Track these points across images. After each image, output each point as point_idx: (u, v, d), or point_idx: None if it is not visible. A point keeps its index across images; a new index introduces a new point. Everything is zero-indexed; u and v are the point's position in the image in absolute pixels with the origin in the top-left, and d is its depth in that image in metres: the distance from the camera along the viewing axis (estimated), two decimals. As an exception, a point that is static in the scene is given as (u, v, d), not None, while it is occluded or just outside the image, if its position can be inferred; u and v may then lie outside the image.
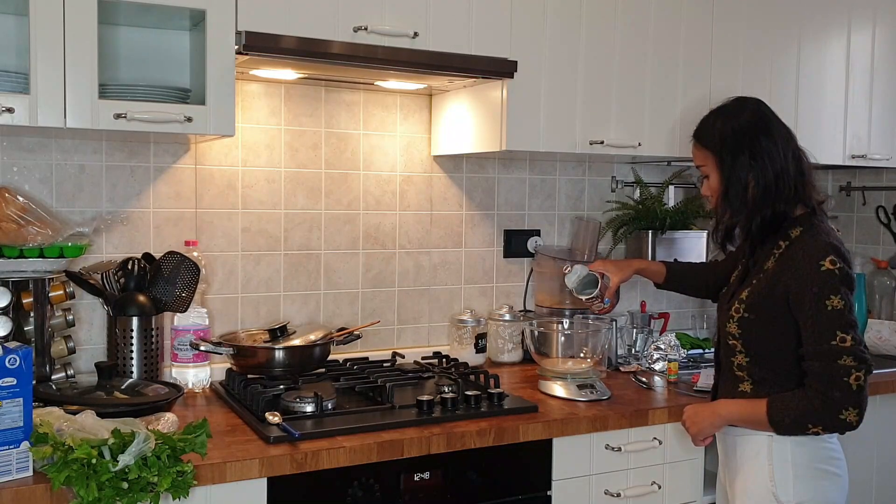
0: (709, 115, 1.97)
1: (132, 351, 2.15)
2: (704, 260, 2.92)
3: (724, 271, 2.18)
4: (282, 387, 2.11)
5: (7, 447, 1.57)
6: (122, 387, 2.04)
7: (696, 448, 2.28)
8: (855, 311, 1.82)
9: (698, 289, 2.35)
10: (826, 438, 1.88)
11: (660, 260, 2.44)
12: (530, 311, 2.85)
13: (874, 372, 1.82)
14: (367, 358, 2.52)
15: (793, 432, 1.83)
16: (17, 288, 2.02)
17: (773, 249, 1.89)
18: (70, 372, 2.12)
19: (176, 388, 2.07)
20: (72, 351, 2.14)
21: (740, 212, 1.89)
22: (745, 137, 1.87)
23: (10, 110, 1.78)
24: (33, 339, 2.04)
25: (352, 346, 2.47)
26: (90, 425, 1.61)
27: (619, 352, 2.71)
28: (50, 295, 2.08)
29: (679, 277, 2.34)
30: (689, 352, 2.80)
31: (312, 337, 2.30)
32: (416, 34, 2.16)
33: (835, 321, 1.77)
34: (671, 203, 2.98)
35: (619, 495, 2.17)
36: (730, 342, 1.93)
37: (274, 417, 1.90)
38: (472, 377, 2.34)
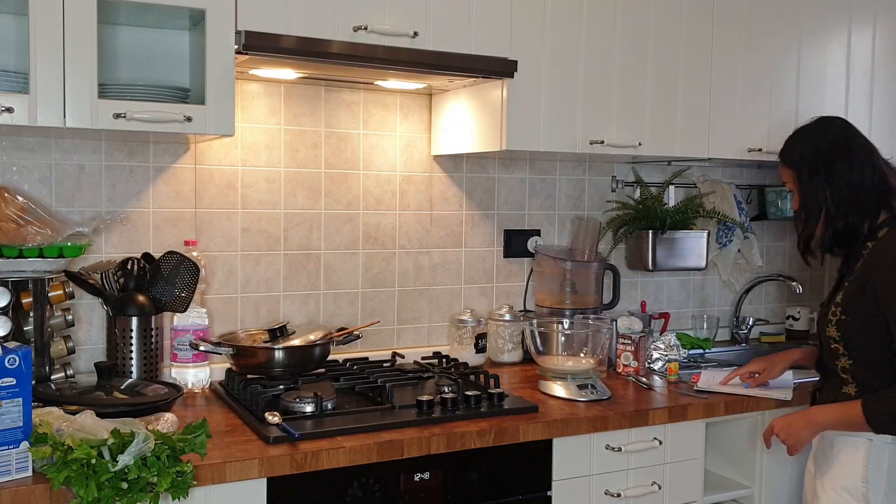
0: (792, 136, 2.10)
1: (132, 351, 2.15)
2: (704, 259, 2.93)
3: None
4: (281, 387, 2.11)
5: (6, 447, 1.57)
6: (122, 387, 2.04)
7: (697, 448, 2.28)
8: None
9: None
10: None
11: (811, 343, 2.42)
12: (530, 311, 2.85)
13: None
14: (366, 358, 2.52)
15: (890, 430, 1.87)
16: (17, 288, 2.02)
17: (861, 252, 1.95)
18: (69, 372, 2.12)
19: (175, 388, 2.07)
20: (71, 351, 2.14)
21: (815, 223, 2.00)
22: (821, 159, 1.99)
23: (9, 110, 1.78)
24: (33, 339, 2.04)
25: (352, 346, 2.47)
26: (90, 425, 1.61)
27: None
28: (49, 295, 2.08)
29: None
30: (690, 352, 2.80)
31: (312, 337, 2.30)
32: (416, 34, 2.16)
33: None
34: (671, 203, 2.98)
35: (619, 495, 2.17)
36: (832, 346, 1.98)
37: (274, 417, 1.90)
38: (472, 377, 2.34)
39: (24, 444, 1.58)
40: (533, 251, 2.88)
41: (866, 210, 1.96)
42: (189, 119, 1.94)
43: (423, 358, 2.56)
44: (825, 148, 1.99)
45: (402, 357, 2.56)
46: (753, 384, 2.38)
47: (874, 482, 1.89)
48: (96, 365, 2.08)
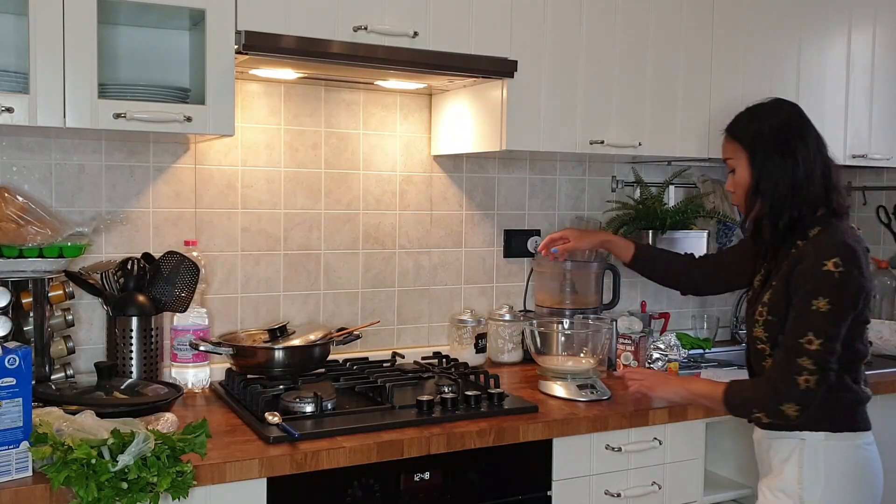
0: (744, 112, 2.01)
1: (132, 351, 2.15)
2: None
3: (716, 266, 2.25)
4: (281, 387, 2.11)
5: (6, 447, 1.57)
6: (122, 387, 2.04)
7: (697, 448, 2.28)
8: (845, 321, 1.80)
9: (668, 278, 2.41)
10: (863, 445, 1.90)
11: (634, 241, 2.47)
12: (530, 311, 2.85)
13: (875, 372, 1.83)
14: (366, 358, 2.52)
15: (739, 413, 1.91)
16: (17, 288, 2.02)
17: (791, 250, 1.91)
18: (69, 372, 2.12)
19: (175, 388, 2.07)
20: (71, 351, 2.14)
21: (768, 206, 1.92)
22: (779, 137, 1.92)
23: (9, 110, 1.78)
24: (33, 339, 2.04)
25: (352, 346, 2.47)
26: (90, 425, 1.61)
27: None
28: (49, 295, 2.08)
29: (647, 261, 2.39)
30: (690, 352, 2.80)
31: (312, 337, 2.30)
32: (416, 34, 2.16)
33: (813, 322, 1.79)
34: (671, 203, 2.98)
35: (619, 495, 2.17)
36: (758, 346, 1.95)
37: (274, 417, 1.90)
38: (472, 377, 2.34)
39: (24, 444, 1.58)
40: (533, 251, 2.87)
41: (814, 199, 1.89)
42: (189, 119, 1.94)
43: (423, 358, 2.56)
44: (783, 127, 1.92)
45: (402, 357, 2.56)
46: (561, 251, 2.41)
47: (810, 482, 1.87)
48: (96, 365, 2.07)
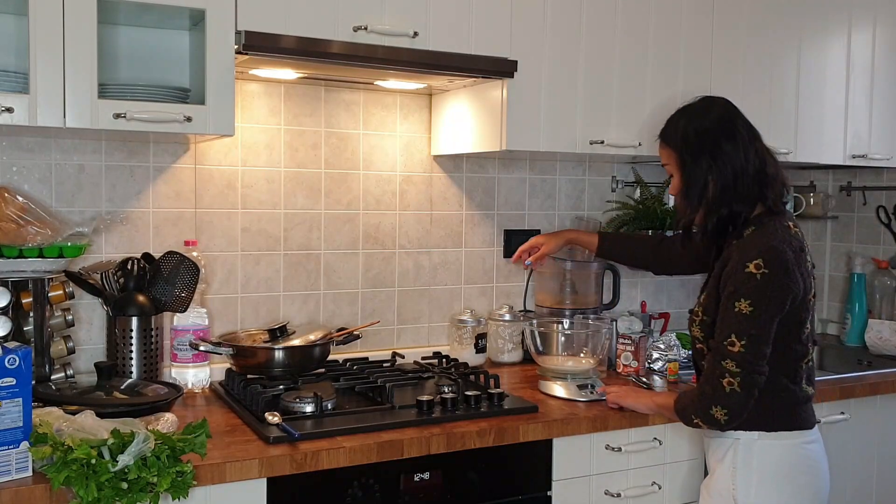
0: (674, 115, 2.00)
1: (132, 351, 2.15)
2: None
3: (687, 249, 2.20)
4: (281, 387, 2.11)
5: (6, 447, 1.57)
6: (122, 387, 2.04)
7: (697, 448, 2.29)
8: (771, 322, 1.79)
9: (638, 259, 2.44)
10: (801, 444, 1.90)
11: (597, 231, 2.52)
12: (530, 311, 2.85)
13: (874, 372, 1.83)
14: (366, 358, 2.52)
15: (684, 421, 1.93)
16: (17, 288, 2.02)
17: (725, 250, 1.92)
18: (69, 372, 2.12)
19: (175, 388, 2.07)
20: (71, 351, 2.14)
21: (697, 210, 1.91)
22: (706, 140, 1.90)
23: (9, 110, 1.78)
24: (33, 340, 2.04)
25: (352, 346, 2.47)
26: (90, 425, 1.61)
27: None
28: (49, 295, 2.08)
29: (612, 247, 2.44)
30: (689, 352, 2.79)
31: (312, 337, 2.30)
32: (415, 34, 2.16)
33: (735, 324, 1.80)
34: (671, 203, 2.97)
35: (619, 495, 2.17)
36: (697, 346, 1.98)
37: (274, 417, 1.90)
38: (472, 377, 2.34)
39: (24, 444, 1.58)
40: (533, 251, 2.87)
41: (748, 198, 1.88)
42: (189, 119, 1.94)
43: (423, 358, 2.56)
44: (710, 128, 1.90)
45: (402, 357, 2.56)
46: (535, 262, 2.45)
47: (743, 481, 1.87)
48: (96, 365, 2.07)
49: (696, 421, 1.88)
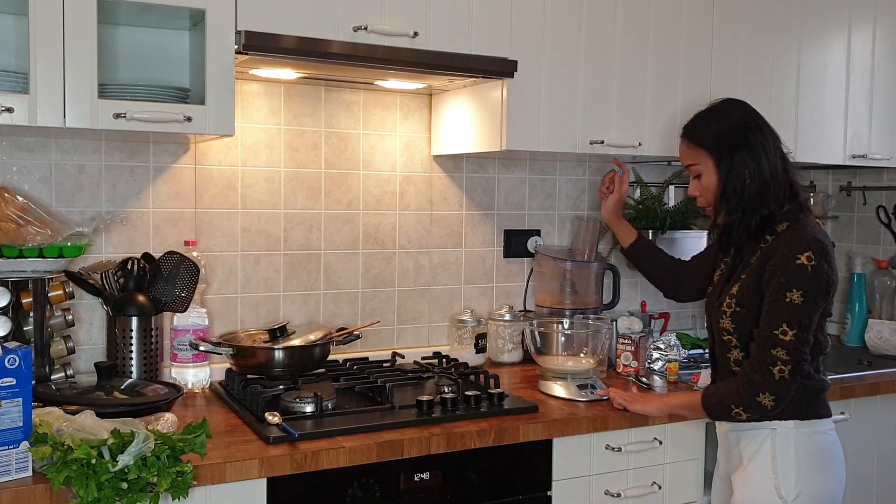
0: (700, 115, 2.02)
1: (132, 351, 2.15)
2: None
3: (694, 272, 2.29)
4: (281, 387, 2.11)
5: (6, 447, 1.57)
6: (122, 387, 2.04)
7: (697, 448, 2.29)
8: (818, 312, 1.84)
9: (656, 275, 2.46)
10: (826, 432, 1.93)
11: (638, 231, 2.53)
12: (530, 311, 2.85)
13: (874, 372, 1.84)
14: (366, 358, 2.52)
15: (718, 414, 1.92)
16: (17, 288, 2.02)
17: (759, 245, 1.93)
18: (69, 372, 2.12)
19: (175, 388, 2.07)
20: (71, 351, 2.14)
21: (737, 210, 1.93)
22: (740, 134, 1.93)
23: (9, 110, 1.78)
24: (33, 339, 2.04)
25: (352, 346, 2.47)
26: (90, 425, 1.61)
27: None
28: (49, 295, 2.08)
29: (643, 253, 2.46)
30: (689, 352, 2.80)
31: (312, 337, 2.29)
32: (415, 34, 2.16)
33: (786, 313, 1.82)
34: (671, 203, 2.97)
35: (619, 495, 2.17)
36: (724, 338, 1.97)
37: (273, 417, 1.90)
38: (472, 377, 2.34)
39: (24, 444, 1.58)
40: (533, 251, 2.87)
41: (781, 196, 1.91)
42: (189, 119, 1.94)
43: (423, 358, 2.56)
44: (742, 125, 1.93)
45: (402, 357, 2.56)
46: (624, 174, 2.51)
47: (784, 471, 1.88)
48: (96, 365, 2.07)
49: (735, 411, 1.87)
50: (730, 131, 1.93)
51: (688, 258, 2.42)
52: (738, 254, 2.00)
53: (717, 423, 2.06)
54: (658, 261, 2.45)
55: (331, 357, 2.35)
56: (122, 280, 2.18)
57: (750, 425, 1.93)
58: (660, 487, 2.23)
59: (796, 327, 1.81)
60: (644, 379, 2.50)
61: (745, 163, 1.90)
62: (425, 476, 1.93)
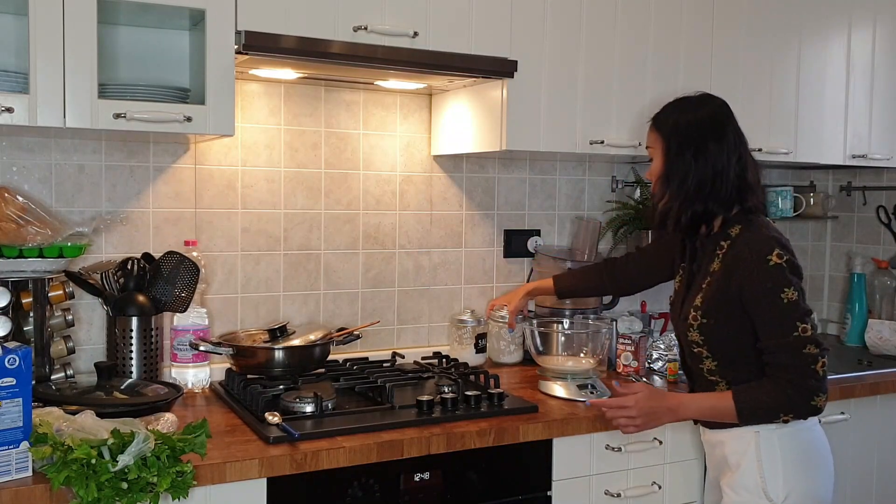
0: (671, 103, 2.03)
1: (132, 351, 2.15)
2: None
3: (638, 267, 2.31)
4: (281, 387, 2.11)
5: (6, 447, 1.57)
6: (122, 387, 2.04)
7: (697, 448, 2.28)
8: (806, 298, 1.87)
9: (594, 289, 2.48)
10: (810, 428, 1.92)
11: (550, 276, 2.48)
12: (530, 311, 2.85)
13: (874, 372, 1.85)
14: (366, 358, 2.52)
15: (758, 421, 1.88)
16: (17, 288, 2.02)
17: (715, 251, 1.93)
18: (69, 372, 2.12)
19: (175, 388, 2.07)
20: (71, 351, 2.14)
21: (675, 199, 1.93)
22: (694, 134, 1.92)
23: (9, 110, 1.78)
24: (32, 339, 2.04)
25: (352, 346, 2.47)
26: (90, 425, 1.61)
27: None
28: (49, 295, 2.08)
29: (566, 285, 2.44)
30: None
31: (312, 337, 2.29)
32: (415, 34, 2.16)
33: (793, 312, 1.82)
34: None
35: (619, 495, 2.17)
36: (695, 350, 1.96)
37: (274, 417, 1.90)
38: (472, 377, 2.34)
39: (24, 444, 1.58)
40: (533, 251, 2.87)
41: (724, 199, 1.90)
42: (189, 119, 1.94)
43: (423, 358, 2.56)
44: (700, 123, 1.93)
45: (402, 357, 2.56)
46: (511, 325, 2.49)
47: (770, 473, 1.88)
48: (96, 365, 2.08)
49: (785, 418, 1.86)
50: (686, 125, 1.94)
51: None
52: (694, 261, 2.00)
53: (701, 430, 2.04)
54: (586, 280, 2.44)
55: (331, 357, 2.35)
56: (122, 280, 2.18)
57: (734, 430, 1.91)
58: (660, 487, 2.23)
59: (807, 320, 1.83)
60: (644, 379, 2.50)
61: (690, 157, 1.90)
62: (425, 476, 1.93)
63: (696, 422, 2.04)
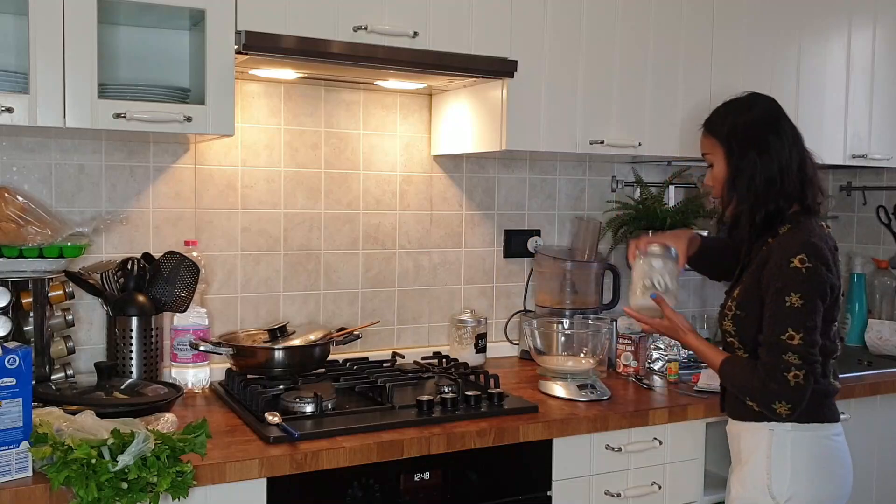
0: (721, 107, 2.03)
1: (132, 351, 2.15)
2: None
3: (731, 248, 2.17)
4: (281, 387, 2.11)
5: (6, 447, 1.57)
6: (122, 387, 2.04)
7: (697, 448, 2.29)
8: (819, 313, 1.83)
9: (716, 271, 2.28)
10: (829, 437, 1.92)
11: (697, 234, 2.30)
12: (530, 311, 2.85)
13: (874, 372, 1.84)
14: (366, 358, 2.52)
15: (727, 386, 1.95)
16: (17, 288, 2.02)
17: (762, 247, 1.94)
18: (69, 372, 2.12)
19: (175, 388, 2.07)
20: (71, 351, 2.14)
21: (745, 202, 1.94)
22: (754, 133, 1.93)
23: (9, 110, 1.78)
24: (33, 340, 2.04)
25: (352, 346, 2.47)
26: (90, 425, 1.61)
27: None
28: (49, 295, 2.08)
29: (706, 254, 2.22)
30: (689, 352, 2.79)
31: (312, 337, 2.30)
32: (416, 34, 2.16)
33: (789, 318, 1.82)
34: (671, 203, 2.98)
35: (619, 495, 2.17)
36: (728, 340, 1.99)
37: (273, 417, 1.90)
38: (472, 377, 2.34)
39: (24, 444, 1.58)
40: (533, 251, 2.87)
41: (791, 195, 1.92)
42: (189, 119, 1.94)
43: (423, 358, 2.56)
44: (757, 122, 1.94)
45: (402, 357, 2.55)
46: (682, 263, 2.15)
47: (777, 472, 1.88)
48: (96, 365, 2.07)
49: (750, 403, 1.88)
50: (744, 125, 1.94)
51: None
52: (747, 255, 2.01)
53: (728, 423, 2.05)
54: (716, 255, 2.23)
55: (331, 357, 2.35)
56: (122, 280, 2.18)
57: (750, 424, 1.93)
58: (660, 487, 2.23)
59: (802, 330, 1.81)
60: (644, 379, 2.50)
61: (754, 158, 1.91)
62: (425, 476, 1.93)
63: (722, 410, 2.05)
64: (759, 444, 1.91)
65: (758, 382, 1.85)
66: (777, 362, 1.82)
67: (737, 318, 1.94)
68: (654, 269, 2.04)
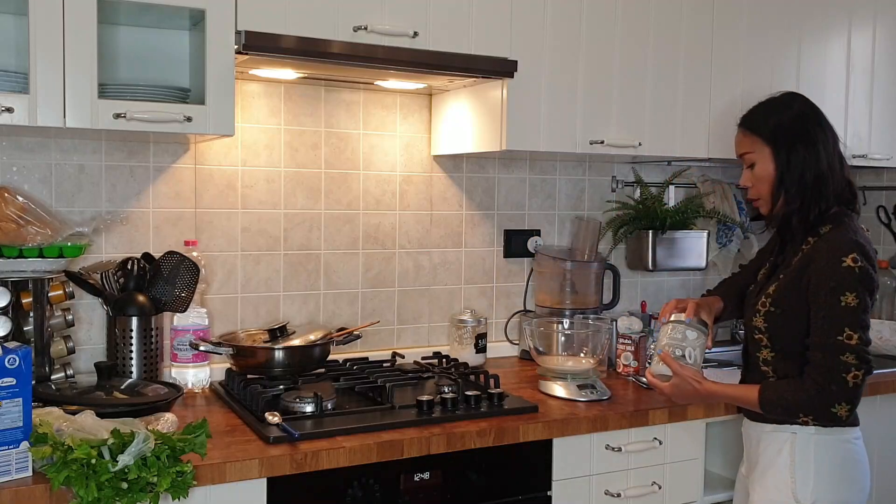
0: (759, 105, 2.00)
1: (132, 351, 2.15)
2: (704, 259, 2.93)
3: (752, 273, 2.16)
4: (281, 387, 2.11)
5: (6, 447, 1.57)
6: (122, 387, 2.04)
7: (697, 448, 2.29)
8: (870, 313, 1.83)
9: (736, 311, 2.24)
10: (850, 441, 1.91)
11: (713, 293, 2.27)
12: (530, 311, 2.85)
13: (875, 372, 1.83)
14: (366, 358, 2.52)
15: (779, 416, 1.88)
16: (17, 288, 2.02)
17: (801, 246, 1.92)
18: (69, 372, 2.12)
19: (175, 388, 2.07)
20: (71, 351, 2.14)
21: (796, 200, 1.91)
22: (800, 128, 1.91)
23: (9, 110, 1.78)
24: (32, 339, 2.04)
25: (352, 346, 2.47)
26: (90, 425, 1.61)
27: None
28: (49, 295, 2.08)
29: (733, 305, 2.20)
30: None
31: (312, 337, 2.30)
32: (416, 34, 2.16)
33: (846, 318, 1.80)
34: (671, 203, 2.98)
35: (619, 495, 2.17)
36: (756, 336, 1.96)
37: (274, 417, 1.90)
38: (472, 377, 2.34)
39: (24, 444, 1.58)
40: (533, 251, 2.87)
41: (839, 192, 1.90)
42: (189, 119, 1.94)
43: (423, 358, 2.56)
44: (800, 118, 1.92)
45: (402, 357, 2.55)
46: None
47: (802, 476, 1.88)
48: (96, 365, 2.08)
49: (804, 419, 1.86)
50: (789, 122, 1.92)
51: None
52: (782, 253, 1.99)
53: (744, 421, 2.05)
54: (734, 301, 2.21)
55: (331, 357, 2.35)
56: (122, 280, 2.18)
57: (773, 427, 1.92)
58: (660, 487, 2.23)
59: (859, 330, 1.80)
60: (644, 379, 2.50)
61: (803, 154, 1.89)
62: (425, 476, 1.93)
63: (739, 410, 2.04)
64: (782, 448, 1.90)
65: (814, 391, 1.81)
66: (836, 364, 1.80)
67: (769, 315, 1.91)
68: (687, 339, 2.01)
